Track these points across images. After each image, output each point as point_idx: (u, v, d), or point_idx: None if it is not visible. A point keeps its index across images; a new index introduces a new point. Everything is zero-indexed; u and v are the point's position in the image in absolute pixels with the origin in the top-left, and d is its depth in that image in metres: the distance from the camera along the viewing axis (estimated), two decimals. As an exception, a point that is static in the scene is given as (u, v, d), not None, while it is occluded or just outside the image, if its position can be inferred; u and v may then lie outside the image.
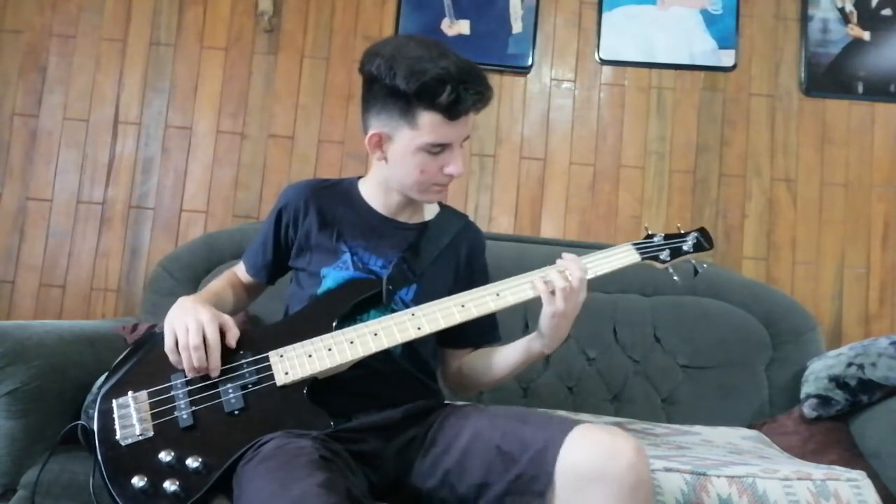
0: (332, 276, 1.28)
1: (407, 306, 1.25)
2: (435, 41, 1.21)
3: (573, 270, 1.17)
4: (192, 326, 1.12)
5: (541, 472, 1.02)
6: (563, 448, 1.02)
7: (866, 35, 2.27)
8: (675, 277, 1.32)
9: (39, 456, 1.41)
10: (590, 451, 1.00)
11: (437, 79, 1.14)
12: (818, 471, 1.30)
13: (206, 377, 1.13)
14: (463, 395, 1.42)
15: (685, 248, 1.33)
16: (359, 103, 1.28)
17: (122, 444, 1.07)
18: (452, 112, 1.17)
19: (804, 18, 2.29)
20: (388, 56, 1.17)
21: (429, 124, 1.18)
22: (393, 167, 1.25)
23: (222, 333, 1.15)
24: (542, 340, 1.21)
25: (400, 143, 1.21)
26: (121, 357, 1.18)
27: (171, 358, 1.13)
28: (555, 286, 1.16)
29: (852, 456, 1.59)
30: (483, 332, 1.36)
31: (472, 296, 1.21)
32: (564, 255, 1.22)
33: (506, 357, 1.30)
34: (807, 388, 1.75)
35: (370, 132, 1.23)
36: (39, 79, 2.31)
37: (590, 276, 1.21)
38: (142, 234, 2.27)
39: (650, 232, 1.34)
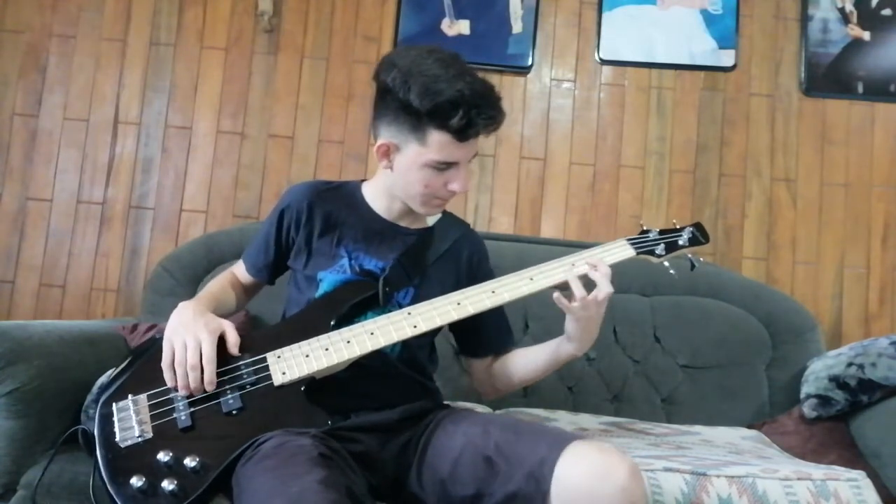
0: (329, 279, 1.28)
1: (404, 309, 1.25)
2: (454, 57, 1.20)
3: (599, 266, 1.18)
4: (190, 344, 1.11)
5: (537, 492, 1.02)
6: (557, 467, 1.01)
7: (866, 35, 2.27)
8: (671, 271, 1.30)
9: (39, 456, 1.41)
10: (583, 472, 1.00)
11: (450, 101, 1.14)
12: (818, 471, 1.30)
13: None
14: (495, 398, 1.46)
15: (681, 242, 1.32)
16: (370, 108, 1.28)
17: (122, 445, 1.07)
18: (462, 134, 1.17)
19: (804, 18, 2.29)
20: (404, 69, 1.17)
21: (438, 143, 1.18)
22: (398, 177, 1.26)
23: (223, 341, 1.15)
24: (573, 343, 1.23)
25: (407, 157, 1.21)
26: (122, 365, 1.18)
27: (166, 375, 1.12)
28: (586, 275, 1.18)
29: (852, 456, 1.59)
30: (499, 338, 1.39)
31: (468, 294, 1.20)
32: (585, 253, 1.24)
33: (534, 360, 1.32)
34: (807, 388, 1.75)
35: (379, 141, 1.24)
36: (39, 79, 2.31)
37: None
38: (142, 234, 2.27)
39: (645, 227, 1.33)
